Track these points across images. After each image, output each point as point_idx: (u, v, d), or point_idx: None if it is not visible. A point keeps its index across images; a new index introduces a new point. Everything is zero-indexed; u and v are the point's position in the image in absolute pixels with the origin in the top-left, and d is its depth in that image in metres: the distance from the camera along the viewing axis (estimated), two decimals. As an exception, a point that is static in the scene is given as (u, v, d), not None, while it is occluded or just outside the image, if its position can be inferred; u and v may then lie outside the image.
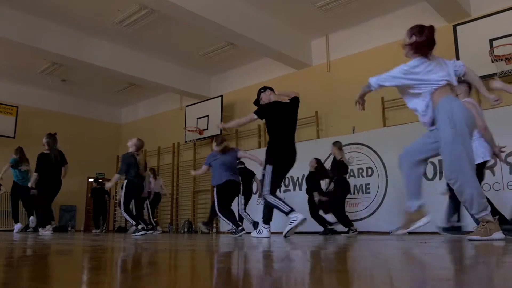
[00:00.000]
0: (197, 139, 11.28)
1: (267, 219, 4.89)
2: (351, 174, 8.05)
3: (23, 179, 8.61)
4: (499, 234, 3.00)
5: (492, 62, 6.67)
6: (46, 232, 7.09)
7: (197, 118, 11.24)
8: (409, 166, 3.29)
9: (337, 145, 7.07)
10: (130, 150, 7.10)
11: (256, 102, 5.15)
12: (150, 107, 13.69)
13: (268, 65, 10.08)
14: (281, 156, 4.74)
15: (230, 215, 6.04)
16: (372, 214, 7.76)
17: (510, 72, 6.54)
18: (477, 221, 3.38)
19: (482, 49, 6.80)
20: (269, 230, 4.90)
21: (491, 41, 6.77)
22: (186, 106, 11.78)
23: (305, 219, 4.47)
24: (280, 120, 4.82)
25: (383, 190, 7.69)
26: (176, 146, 12.34)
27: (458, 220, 4.68)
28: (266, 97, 5.04)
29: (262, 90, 5.14)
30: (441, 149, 3.13)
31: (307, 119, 9.24)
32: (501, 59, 6.59)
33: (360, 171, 8.09)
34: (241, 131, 10.74)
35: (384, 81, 3.46)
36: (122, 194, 6.80)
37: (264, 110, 4.88)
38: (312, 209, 7.15)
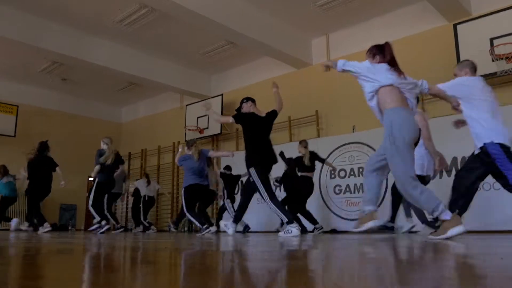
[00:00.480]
0: (197, 138, 11.27)
1: (237, 218, 5.38)
2: (351, 173, 8.06)
3: (11, 190, 8.87)
4: (454, 230, 3.08)
5: (493, 61, 6.66)
6: (45, 230, 7.13)
7: (198, 117, 11.24)
8: (368, 173, 3.52)
9: (303, 144, 7.20)
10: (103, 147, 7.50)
11: (238, 110, 5.66)
12: (151, 106, 13.69)
13: (269, 64, 10.08)
14: (261, 161, 5.17)
15: (196, 215, 6.60)
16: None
17: (510, 71, 6.53)
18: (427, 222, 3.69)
19: (483, 48, 6.79)
20: (235, 229, 5.37)
21: (491, 40, 6.76)
22: (187, 105, 11.78)
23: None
24: (253, 130, 5.38)
25: (383, 189, 7.69)
26: (176, 145, 12.33)
27: (391, 221, 5.13)
28: (246, 107, 5.57)
29: (244, 101, 5.65)
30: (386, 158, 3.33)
31: (307, 118, 9.24)
32: (502, 58, 6.58)
33: (361, 170, 8.08)
34: (241, 131, 10.69)
35: (349, 67, 3.57)
36: (93, 189, 7.22)
37: (241, 117, 5.48)
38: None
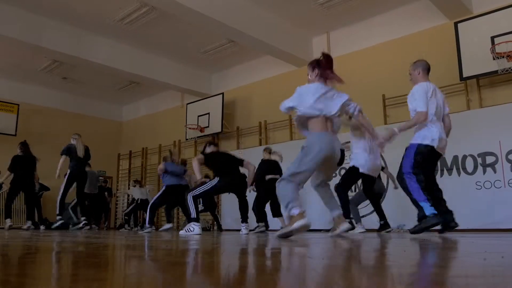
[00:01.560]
0: (198, 137, 11.29)
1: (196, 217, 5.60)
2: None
3: None
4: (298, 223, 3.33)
5: (494, 59, 6.65)
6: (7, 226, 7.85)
7: (198, 116, 11.25)
8: (315, 189, 3.89)
9: (267, 150, 7.53)
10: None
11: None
12: (151, 104, 13.70)
13: (269, 62, 10.08)
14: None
15: (152, 214, 7.36)
16: (374, 211, 7.74)
17: (511, 70, 6.52)
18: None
19: (484, 46, 6.79)
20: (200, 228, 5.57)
21: (492, 38, 6.75)
22: (187, 103, 11.78)
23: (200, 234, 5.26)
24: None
25: (385, 187, 7.68)
26: (177, 143, 12.35)
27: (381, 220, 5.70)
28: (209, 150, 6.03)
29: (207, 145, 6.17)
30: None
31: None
32: (503, 57, 6.57)
33: (361, 168, 8.07)
34: (242, 129, 10.75)
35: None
36: (64, 181, 7.78)
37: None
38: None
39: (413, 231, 3.87)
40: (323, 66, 3.70)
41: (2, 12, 8.14)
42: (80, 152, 7.93)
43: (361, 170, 5.30)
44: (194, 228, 5.32)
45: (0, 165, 10.01)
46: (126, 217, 10.99)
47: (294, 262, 1.59)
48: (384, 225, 5.62)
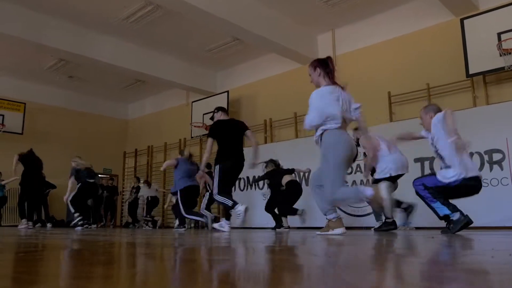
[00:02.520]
0: (203, 135, 11.30)
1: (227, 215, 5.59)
2: (357, 169, 8.03)
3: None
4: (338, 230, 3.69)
5: (500, 55, 6.60)
6: (21, 227, 7.89)
7: (203, 114, 11.25)
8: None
9: (271, 163, 7.66)
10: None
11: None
12: (157, 103, 13.73)
13: (274, 60, 10.06)
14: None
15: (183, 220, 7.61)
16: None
17: (518, 66, 6.47)
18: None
19: (490, 42, 6.73)
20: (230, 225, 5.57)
21: (499, 34, 6.69)
22: (192, 102, 11.79)
23: (247, 207, 5.16)
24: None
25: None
26: (182, 141, 12.37)
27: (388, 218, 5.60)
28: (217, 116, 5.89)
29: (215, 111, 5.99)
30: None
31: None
32: (510, 53, 6.51)
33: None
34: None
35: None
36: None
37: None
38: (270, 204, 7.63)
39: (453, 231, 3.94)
40: (325, 65, 3.75)
41: (5, 11, 8.18)
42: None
43: (393, 174, 5.33)
44: (225, 227, 5.44)
45: (8, 164, 10.09)
46: (146, 218, 10.95)
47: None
48: (390, 223, 5.59)
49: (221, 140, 5.56)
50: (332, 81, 3.70)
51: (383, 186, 3.31)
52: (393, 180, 5.20)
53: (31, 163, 8.32)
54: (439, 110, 4.22)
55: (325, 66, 3.74)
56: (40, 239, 3.46)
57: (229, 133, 5.59)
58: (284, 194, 7.32)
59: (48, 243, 2.78)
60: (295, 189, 7.29)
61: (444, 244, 2.40)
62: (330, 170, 3.50)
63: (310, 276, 1.10)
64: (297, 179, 7.89)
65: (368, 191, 3.36)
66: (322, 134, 3.57)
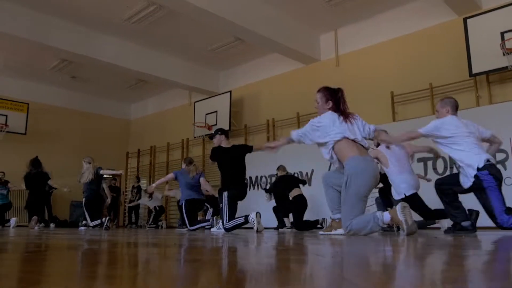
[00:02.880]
0: (206, 135, 11.31)
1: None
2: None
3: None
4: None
5: (504, 55, 6.57)
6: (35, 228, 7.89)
7: (206, 114, 11.26)
8: (326, 187, 3.83)
9: (281, 168, 7.78)
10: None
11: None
12: (159, 103, 13.74)
13: (277, 60, 10.06)
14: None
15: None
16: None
17: (522, 65, 6.45)
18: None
19: (493, 42, 6.71)
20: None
21: (502, 34, 6.67)
22: (195, 102, 11.80)
23: (257, 212, 5.26)
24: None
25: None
26: (185, 142, 12.39)
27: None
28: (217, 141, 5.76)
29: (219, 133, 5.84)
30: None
31: (315, 114, 9.18)
32: (513, 52, 6.50)
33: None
34: (250, 127, 10.75)
35: (301, 137, 3.98)
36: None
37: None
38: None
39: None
40: (337, 99, 4.00)
41: (9, 11, 8.20)
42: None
43: (409, 193, 5.00)
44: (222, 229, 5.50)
45: (11, 164, 10.14)
46: (151, 226, 11.07)
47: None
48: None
49: (226, 168, 5.62)
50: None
51: (399, 208, 3.26)
52: (408, 200, 4.86)
53: (34, 183, 8.36)
54: (457, 105, 4.17)
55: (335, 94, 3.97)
56: (43, 239, 3.47)
57: (233, 161, 5.60)
58: (290, 206, 7.43)
59: (51, 244, 2.79)
60: (301, 205, 7.27)
61: (444, 244, 2.40)
62: (350, 198, 3.48)
63: (312, 276, 1.10)
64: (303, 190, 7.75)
65: (386, 216, 3.33)
66: (333, 147, 3.67)
